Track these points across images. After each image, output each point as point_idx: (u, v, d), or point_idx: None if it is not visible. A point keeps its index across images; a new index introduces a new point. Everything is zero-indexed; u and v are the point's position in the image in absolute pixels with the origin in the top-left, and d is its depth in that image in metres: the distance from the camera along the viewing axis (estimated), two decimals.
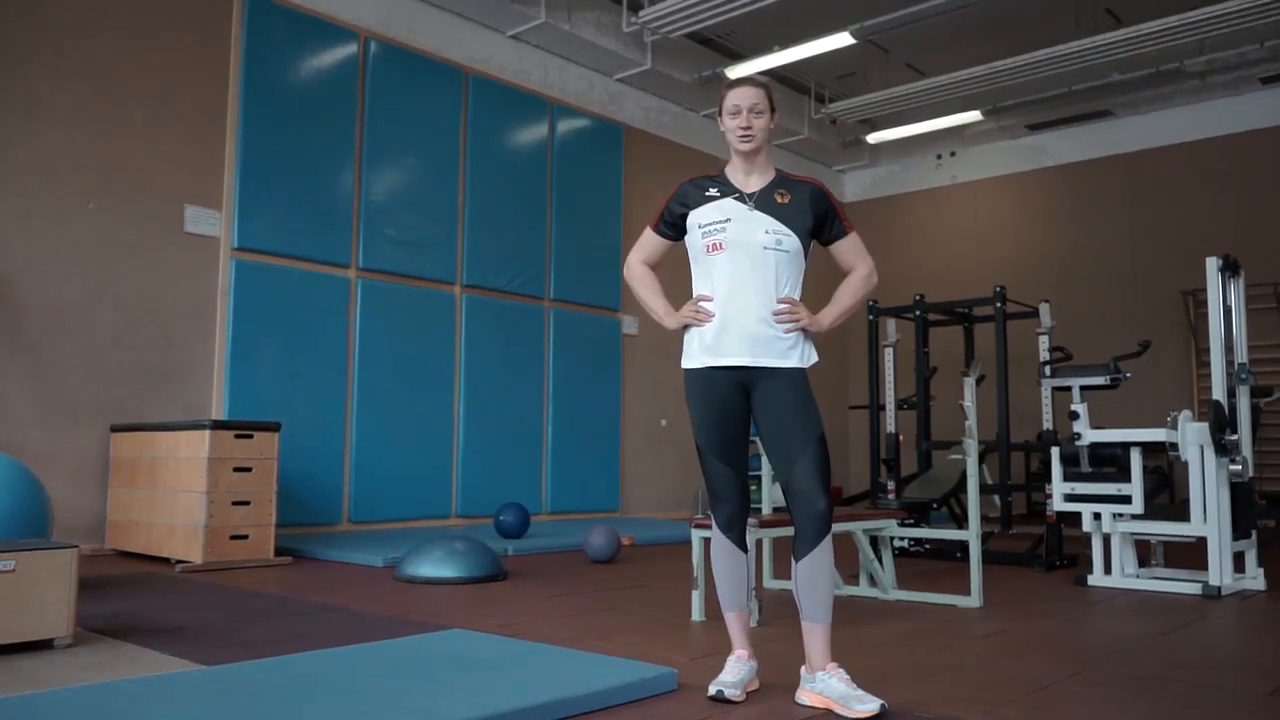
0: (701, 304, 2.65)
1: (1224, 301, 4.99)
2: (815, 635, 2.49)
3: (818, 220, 2.64)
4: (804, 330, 2.59)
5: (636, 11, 8.49)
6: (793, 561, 2.54)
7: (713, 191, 2.67)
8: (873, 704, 2.33)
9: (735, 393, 2.59)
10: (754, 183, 2.65)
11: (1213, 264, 4.92)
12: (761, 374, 2.56)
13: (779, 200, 2.61)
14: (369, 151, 7.30)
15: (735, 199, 2.63)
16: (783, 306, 2.56)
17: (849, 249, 2.70)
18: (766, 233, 2.57)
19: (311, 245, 6.90)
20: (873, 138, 10.89)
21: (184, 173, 6.39)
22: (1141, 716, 2.42)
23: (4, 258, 5.67)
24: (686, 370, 2.69)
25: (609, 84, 9.35)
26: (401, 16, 7.67)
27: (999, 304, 6.40)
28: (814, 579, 2.50)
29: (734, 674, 2.54)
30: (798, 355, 2.58)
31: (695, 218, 2.67)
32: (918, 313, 7.07)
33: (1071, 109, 10.28)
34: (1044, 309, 6.65)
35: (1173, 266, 9.81)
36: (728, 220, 2.60)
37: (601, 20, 8.68)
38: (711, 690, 2.48)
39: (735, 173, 2.68)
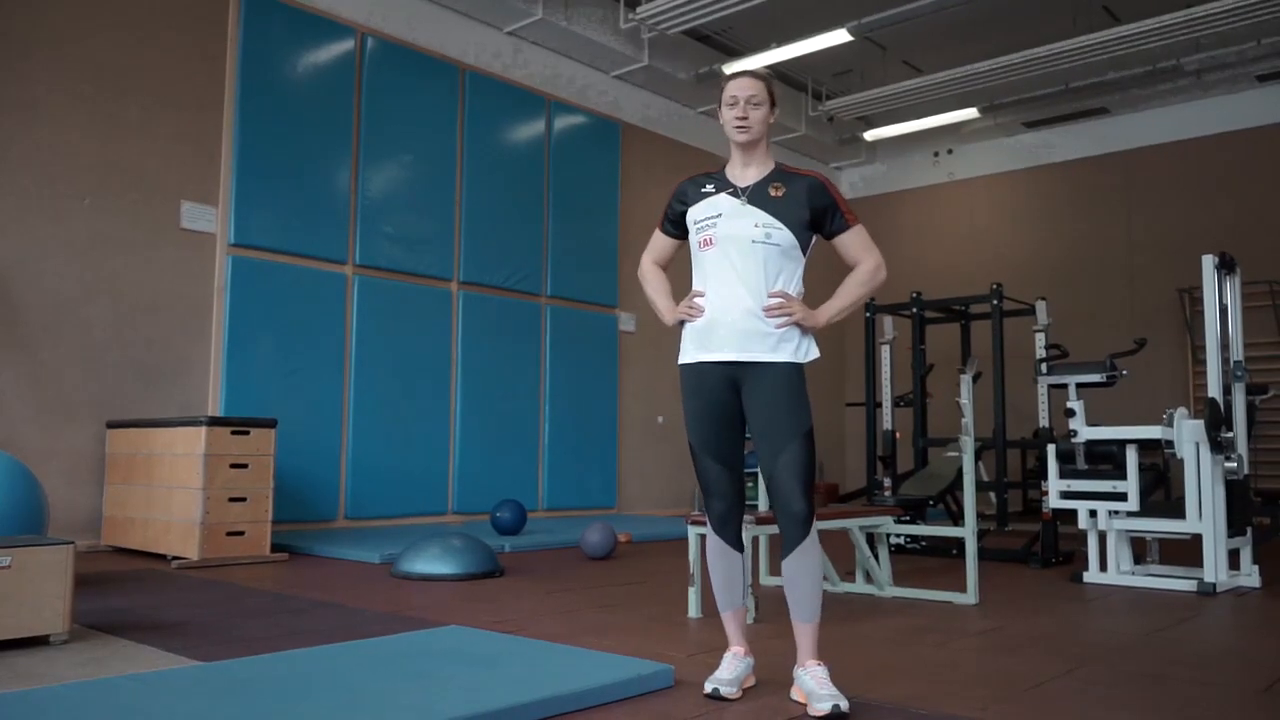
0: (694, 299, 2.64)
1: (1220, 299, 5.00)
2: (800, 634, 2.50)
3: (816, 214, 2.58)
4: (800, 325, 2.54)
5: (634, 8, 8.49)
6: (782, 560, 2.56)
7: (709, 188, 2.66)
8: (825, 704, 2.30)
9: (726, 389, 2.56)
10: (750, 176, 2.62)
11: (1209, 262, 4.93)
12: (752, 368, 2.52)
13: (773, 193, 2.58)
14: (366, 148, 7.29)
15: (729, 194, 2.61)
16: (774, 301, 2.52)
17: (853, 243, 2.61)
18: (756, 226, 2.53)
19: (308, 241, 6.89)
20: (870, 135, 10.89)
21: (180, 169, 6.38)
22: (1137, 713, 2.43)
23: (0, 254, 5.66)
24: (680, 366, 2.67)
25: (606, 81, 9.35)
26: (398, 13, 7.66)
27: (996, 301, 6.41)
28: (796, 579, 2.50)
29: (730, 671, 2.53)
30: (790, 349, 2.53)
31: (691, 214, 2.67)
32: (914, 310, 7.07)
33: (1068, 106, 10.29)
34: (1040, 306, 6.66)
35: (1169, 264, 9.83)
36: (719, 215, 2.59)
37: (599, 17, 8.67)
38: (707, 688, 2.48)
39: (733, 167, 2.67)
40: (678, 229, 2.76)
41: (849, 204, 2.65)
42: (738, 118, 2.57)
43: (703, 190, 2.67)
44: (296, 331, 6.78)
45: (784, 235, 2.54)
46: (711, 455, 2.59)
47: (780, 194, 2.58)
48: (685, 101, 10.11)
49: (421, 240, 7.60)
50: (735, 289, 2.54)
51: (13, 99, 5.73)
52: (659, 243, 2.84)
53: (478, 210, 8.01)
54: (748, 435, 2.66)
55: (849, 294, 2.60)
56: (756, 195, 2.59)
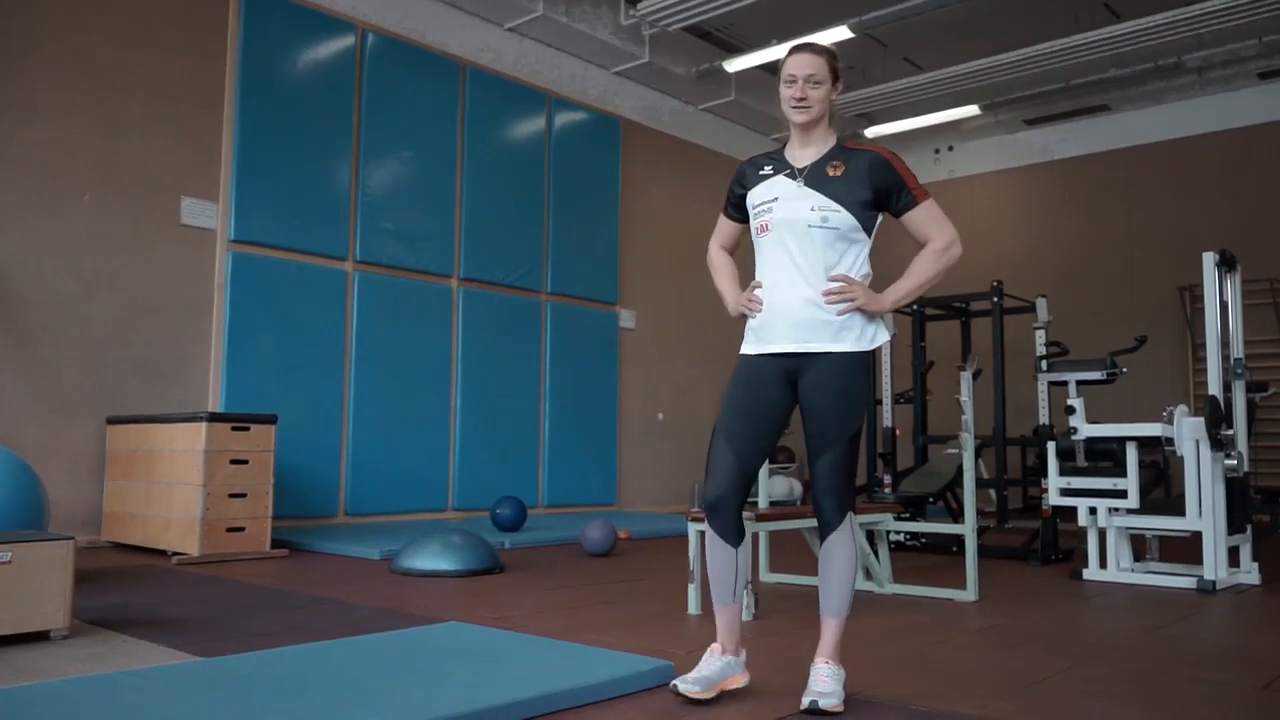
0: (754, 292, 2.52)
1: (1220, 297, 4.99)
2: (822, 626, 2.47)
3: (879, 192, 2.44)
4: (863, 310, 2.42)
5: (634, 4, 8.47)
6: None
7: (767, 169, 2.55)
8: (806, 698, 2.31)
9: (778, 385, 2.46)
10: (808, 156, 2.50)
11: (1209, 259, 4.93)
12: (811, 359, 2.42)
13: (831, 173, 2.45)
14: (366, 144, 7.28)
15: (786, 175, 2.50)
16: (834, 285, 2.40)
17: (922, 219, 2.46)
18: (812, 210, 2.42)
19: (308, 238, 6.89)
20: (870, 132, 10.87)
21: (180, 165, 6.38)
22: (1136, 711, 2.43)
23: (0, 251, 5.65)
24: (740, 356, 2.56)
25: (607, 77, 9.34)
26: (399, 9, 7.66)
27: (996, 299, 6.40)
28: (822, 573, 2.48)
29: (701, 669, 2.41)
30: (853, 337, 2.41)
31: (750, 198, 2.57)
32: (915, 307, 7.07)
33: (1069, 104, 10.28)
34: (1041, 304, 6.66)
35: (1169, 262, 9.83)
36: (775, 199, 2.48)
37: (599, 13, 8.67)
38: (671, 683, 2.38)
39: (792, 147, 2.55)
40: (740, 213, 2.65)
41: (916, 179, 2.49)
42: (795, 98, 2.45)
43: (761, 172, 2.56)
44: (297, 328, 6.78)
45: (842, 218, 2.42)
46: (729, 442, 2.46)
47: (839, 173, 2.45)
48: (686, 98, 10.11)
49: (422, 237, 7.59)
50: (792, 277, 2.43)
51: (13, 97, 5.73)
52: (724, 228, 2.73)
53: (478, 207, 8.00)
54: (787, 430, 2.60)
55: (920, 273, 2.46)
56: (814, 176, 2.46)
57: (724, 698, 2.45)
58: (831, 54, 2.50)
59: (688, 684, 2.34)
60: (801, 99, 2.46)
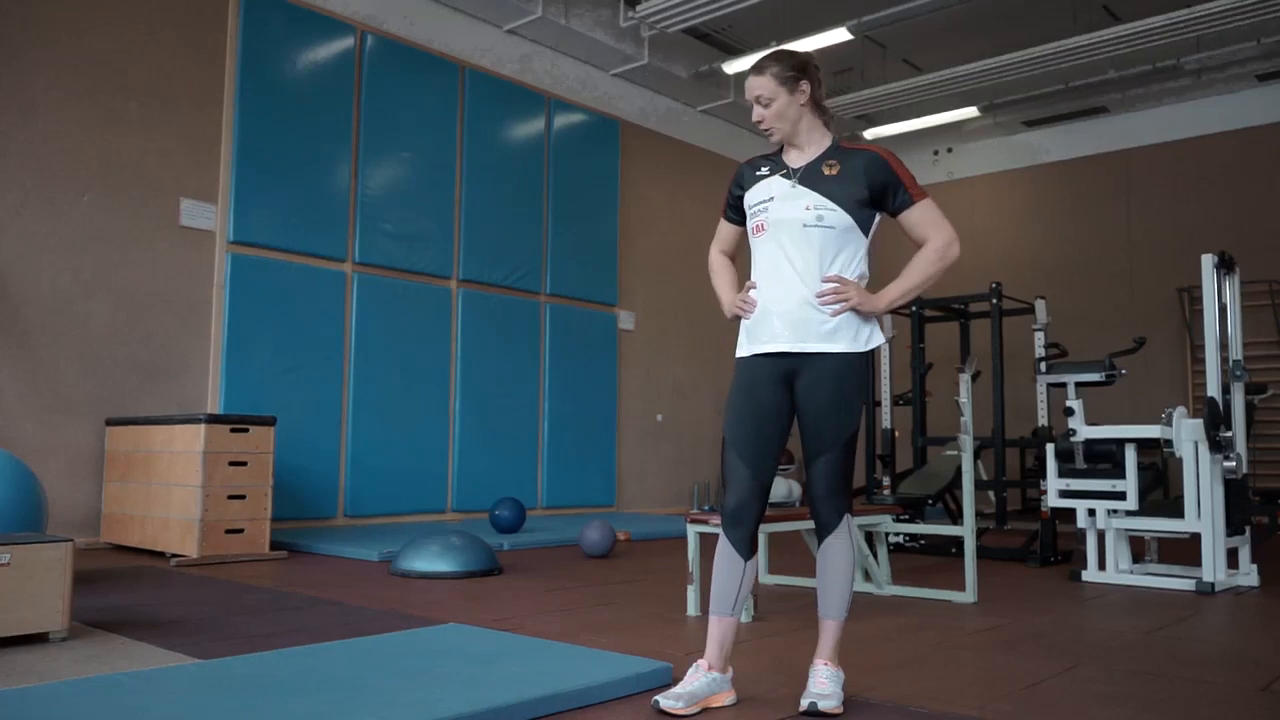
0: (749, 293, 2.51)
1: (1219, 298, 5.00)
2: (820, 628, 2.47)
3: (876, 190, 2.43)
4: (857, 311, 2.41)
5: (634, 6, 8.48)
6: None
7: (764, 170, 2.55)
8: (805, 700, 2.32)
9: (776, 387, 2.45)
10: (805, 157, 2.51)
11: (1208, 261, 4.93)
12: (806, 360, 2.41)
13: (826, 172, 2.45)
14: (365, 145, 7.28)
15: (782, 176, 2.50)
16: (827, 286, 2.39)
17: (919, 219, 2.44)
18: (807, 209, 2.41)
19: (307, 239, 6.89)
20: (870, 133, 10.88)
21: (180, 166, 6.38)
22: (1134, 712, 2.43)
23: (0, 251, 5.66)
24: (736, 359, 2.55)
25: (606, 79, 9.34)
26: (398, 10, 7.66)
27: (995, 300, 6.41)
28: (820, 574, 2.49)
29: (684, 685, 2.36)
30: (849, 338, 2.40)
31: (747, 199, 2.57)
32: (914, 308, 7.07)
33: (1068, 106, 10.29)
34: (1040, 305, 6.66)
35: (1168, 263, 9.83)
36: (770, 199, 2.48)
37: (598, 15, 8.67)
38: (653, 698, 2.33)
39: (789, 148, 2.56)
40: (738, 214, 2.64)
41: (914, 179, 2.48)
42: (757, 122, 2.50)
43: (758, 173, 2.56)
44: (296, 329, 6.78)
45: (838, 216, 2.41)
46: (740, 453, 2.44)
47: (834, 171, 2.45)
48: (685, 100, 10.11)
49: (421, 238, 7.59)
50: (788, 276, 2.42)
51: (11, 96, 5.73)
52: (723, 231, 2.71)
53: (477, 208, 8.00)
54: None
55: (916, 273, 2.44)
56: (809, 175, 2.47)
57: (724, 705, 2.44)
58: (779, 61, 2.47)
59: (669, 699, 2.29)
60: (759, 122, 2.51)
